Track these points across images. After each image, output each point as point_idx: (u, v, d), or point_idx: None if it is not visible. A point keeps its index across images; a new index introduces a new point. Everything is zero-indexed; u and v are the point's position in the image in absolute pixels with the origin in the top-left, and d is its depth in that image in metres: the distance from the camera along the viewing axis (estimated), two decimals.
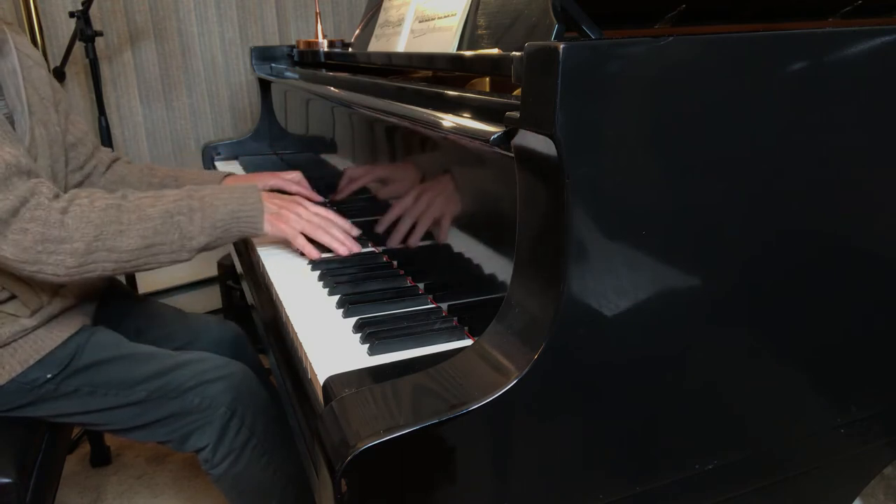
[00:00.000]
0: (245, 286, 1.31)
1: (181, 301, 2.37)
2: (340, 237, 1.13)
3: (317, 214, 1.14)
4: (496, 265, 0.79)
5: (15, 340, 1.07)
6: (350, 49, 1.69)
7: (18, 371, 1.06)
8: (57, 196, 0.98)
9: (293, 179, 1.42)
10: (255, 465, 1.15)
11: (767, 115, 0.66)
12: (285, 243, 1.18)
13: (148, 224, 1.00)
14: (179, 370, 1.14)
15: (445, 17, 1.09)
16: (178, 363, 1.15)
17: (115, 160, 1.42)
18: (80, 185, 1.34)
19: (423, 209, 1.00)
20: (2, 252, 0.93)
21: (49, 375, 1.09)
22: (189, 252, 1.05)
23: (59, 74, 1.97)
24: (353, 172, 1.33)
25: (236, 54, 2.37)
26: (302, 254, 1.17)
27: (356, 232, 1.17)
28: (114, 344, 1.17)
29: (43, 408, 1.11)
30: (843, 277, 0.75)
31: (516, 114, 0.63)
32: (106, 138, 1.94)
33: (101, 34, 1.86)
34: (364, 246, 1.19)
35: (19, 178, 0.95)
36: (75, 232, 0.96)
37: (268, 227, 1.10)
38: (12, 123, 1.09)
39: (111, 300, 1.34)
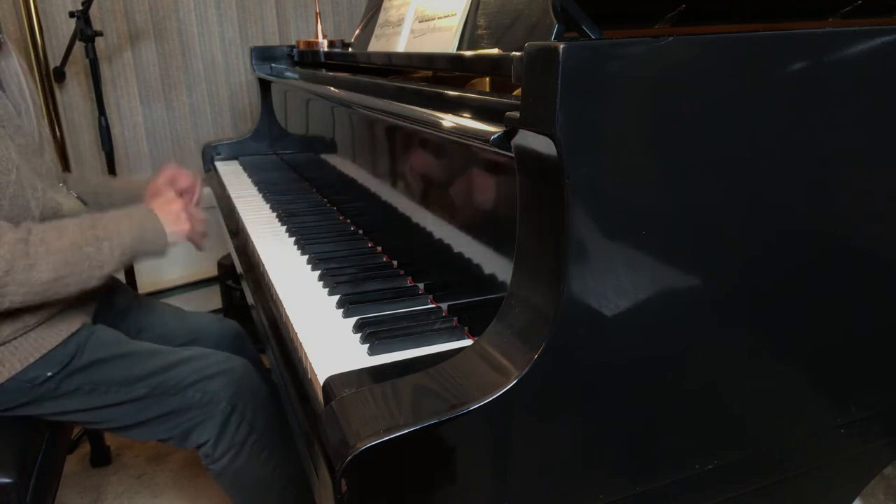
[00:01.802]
0: (245, 286, 1.31)
1: (181, 301, 2.37)
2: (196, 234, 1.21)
3: (183, 209, 1.20)
4: (496, 265, 0.79)
5: (15, 338, 1.07)
6: (350, 49, 1.69)
7: (19, 369, 1.06)
8: None
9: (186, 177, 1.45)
10: (255, 460, 1.16)
11: (767, 115, 0.66)
12: (285, 243, 1.18)
13: (58, 257, 1.01)
14: (180, 366, 1.14)
15: (445, 17, 1.09)
16: (178, 360, 1.15)
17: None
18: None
19: (423, 209, 1.00)
20: None
21: (49, 373, 1.09)
22: (99, 279, 1.07)
23: (59, 74, 1.98)
24: (353, 172, 1.33)
25: (236, 54, 2.37)
26: (302, 253, 1.18)
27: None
28: (114, 342, 1.17)
29: (44, 406, 1.11)
30: (843, 277, 0.75)
31: (516, 114, 0.63)
32: (106, 138, 1.94)
33: (101, 34, 1.86)
34: (364, 245, 1.20)
35: None
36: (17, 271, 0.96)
37: (172, 240, 1.16)
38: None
39: (111, 299, 1.34)
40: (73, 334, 1.12)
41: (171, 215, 1.17)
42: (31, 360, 1.07)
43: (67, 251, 1.02)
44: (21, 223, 1.01)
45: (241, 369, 1.18)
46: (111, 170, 2.00)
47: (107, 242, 1.06)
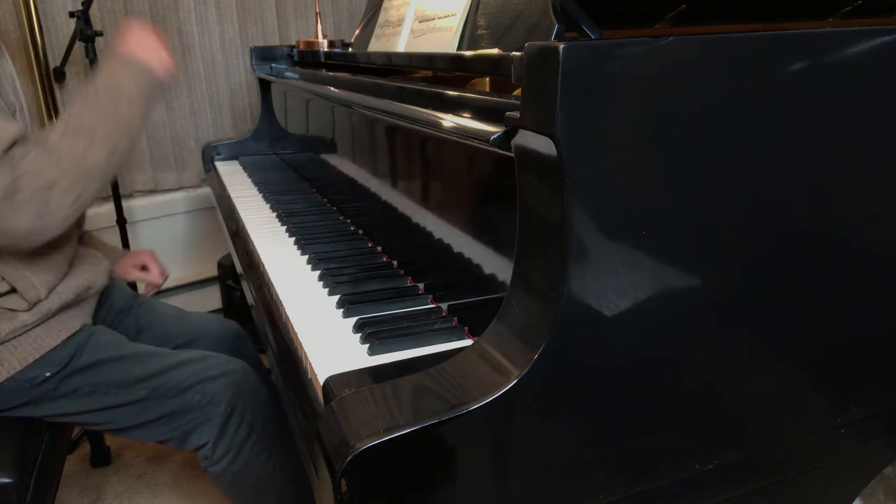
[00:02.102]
0: (245, 286, 1.31)
1: (181, 301, 2.37)
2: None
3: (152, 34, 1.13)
4: (496, 265, 0.79)
5: (15, 338, 1.07)
6: (350, 49, 1.69)
7: (17, 369, 1.06)
8: (25, 155, 0.95)
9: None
10: (254, 462, 1.16)
11: (767, 115, 0.66)
12: (285, 243, 1.18)
13: (97, 135, 0.99)
14: (179, 368, 1.14)
15: (445, 17, 1.09)
16: (178, 361, 1.15)
17: None
18: None
19: (423, 209, 1.00)
20: (18, 223, 0.93)
21: (48, 374, 1.09)
22: (139, 128, 1.05)
23: (59, 74, 1.98)
24: (353, 172, 1.33)
25: (236, 54, 2.37)
26: (302, 253, 1.18)
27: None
28: (114, 344, 1.17)
29: (43, 407, 1.11)
30: (843, 277, 0.75)
31: (516, 114, 0.63)
32: None
33: (101, 34, 1.86)
34: (364, 245, 1.20)
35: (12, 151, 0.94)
36: (55, 171, 0.95)
37: (162, 69, 1.09)
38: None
39: (111, 299, 1.34)
40: (72, 335, 1.12)
41: (147, 47, 1.10)
42: (31, 359, 1.07)
43: (106, 124, 1.00)
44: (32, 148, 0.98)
45: (240, 371, 1.18)
46: None
47: (127, 97, 1.03)
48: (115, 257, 1.43)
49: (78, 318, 1.15)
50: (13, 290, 1.06)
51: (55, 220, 0.96)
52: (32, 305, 1.07)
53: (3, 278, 1.06)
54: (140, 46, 1.08)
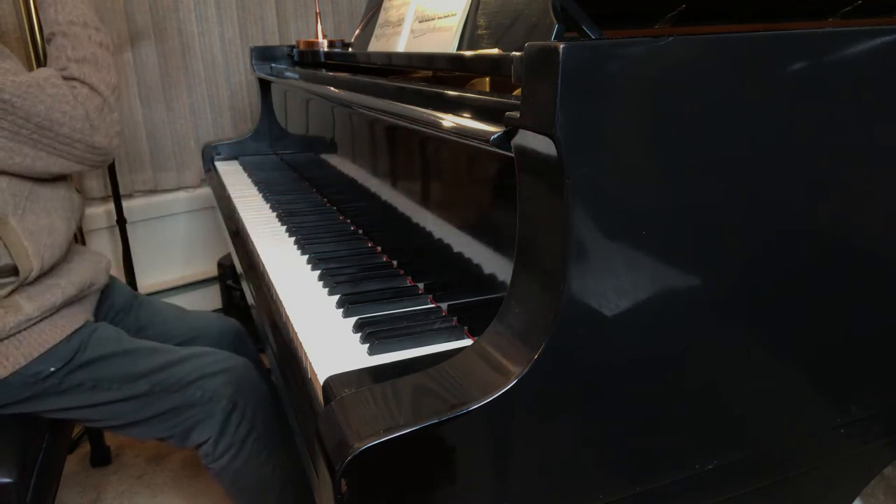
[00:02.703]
0: (245, 286, 1.31)
1: (181, 301, 2.37)
2: None
3: None
4: (496, 265, 0.79)
5: (19, 332, 1.07)
6: (350, 49, 1.69)
7: (22, 363, 1.07)
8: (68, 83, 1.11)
9: None
10: (255, 458, 1.16)
11: (767, 115, 0.66)
12: (285, 243, 1.18)
13: (101, 53, 1.16)
14: (181, 364, 1.15)
15: (445, 17, 1.09)
16: (180, 357, 1.16)
17: None
18: None
19: (423, 209, 1.00)
20: (98, 140, 1.11)
21: (53, 369, 1.09)
22: (103, 30, 1.19)
23: None
24: (353, 172, 1.33)
25: (236, 54, 2.37)
26: (302, 253, 1.18)
27: None
28: (116, 339, 1.18)
29: (46, 402, 1.12)
30: (843, 277, 0.75)
31: (516, 114, 0.63)
32: None
33: None
34: (364, 245, 1.20)
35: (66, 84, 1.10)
36: (98, 94, 1.12)
37: None
38: None
39: (111, 298, 1.35)
40: (76, 330, 1.13)
41: None
42: (35, 354, 1.08)
43: (94, 51, 1.15)
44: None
45: (241, 368, 1.18)
46: (111, 169, 2.00)
47: (91, 27, 1.17)
48: None
49: (81, 314, 1.16)
50: (6, 268, 1.07)
51: (115, 133, 1.15)
52: (23, 281, 1.08)
53: (3, 241, 1.06)
54: None
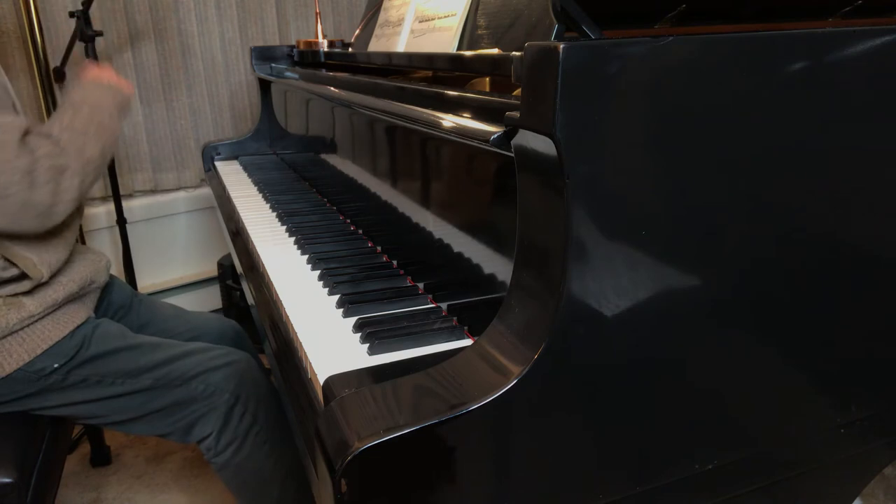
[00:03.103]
0: (245, 286, 1.31)
1: (181, 301, 2.37)
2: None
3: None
4: (496, 265, 0.79)
5: (22, 328, 1.08)
6: (350, 49, 1.69)
7: (26, 360, 1.08)
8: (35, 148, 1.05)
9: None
10: (257, 452, 1.17)
11: (767, 115, 0.66)
12: (285, 243, 1.18)
13: (90, 136, 1.10)
14: (184, 359, 1.15)
15: (445, 17, 1.09)
16: (182, 352, 1.17)
17: None
18: None
19: (423, 209, 1.00)
20: (37, 200, 1.02)
21: (56, 365, 1.10)
22: (116, 121, 1.18)
23: (59, 74, 1.97)
24: (353, 172, 1.33)
25: (236, 54, 2.37)
26: (302, 253, 1.18)
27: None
28: (119, 334, 1.19)
29: (49, 398, 1.12)
30: (843, 277, 0.75)
31: (516, 114, 0.63)
32: None
33: (101, 34, 1.86)
34: (364, 245, 1.20)
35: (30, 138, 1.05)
36: (64, 158, 1.05)
37: (122, 95, 1.22)
38: None
39: (111, 297, 1.35)
40: (79, 326, 1.14)
41: (106, 75, 1.24)
42: (39, 351, 1.09)
43: (93, 128, 1.12)
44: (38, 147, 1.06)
45: (243, 362, 1.19)
46: (111, 169, 2.00)
47: (105, 110, 1.16)
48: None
49: (83, 311, 1.17)
50: (17, 276, 1.07)
51: (65, 200, 1.05)
52: (35, 286, 1.08)
53: (6, 258, 1.07)
54: (101, 75, 1.23)
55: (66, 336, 1.11)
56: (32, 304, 1.08)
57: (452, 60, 0.95)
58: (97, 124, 1.13)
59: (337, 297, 0.96)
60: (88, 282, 1.19)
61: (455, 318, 0.87)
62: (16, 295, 1.08)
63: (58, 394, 1.12)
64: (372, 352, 0.80)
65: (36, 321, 1.09)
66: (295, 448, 1.21)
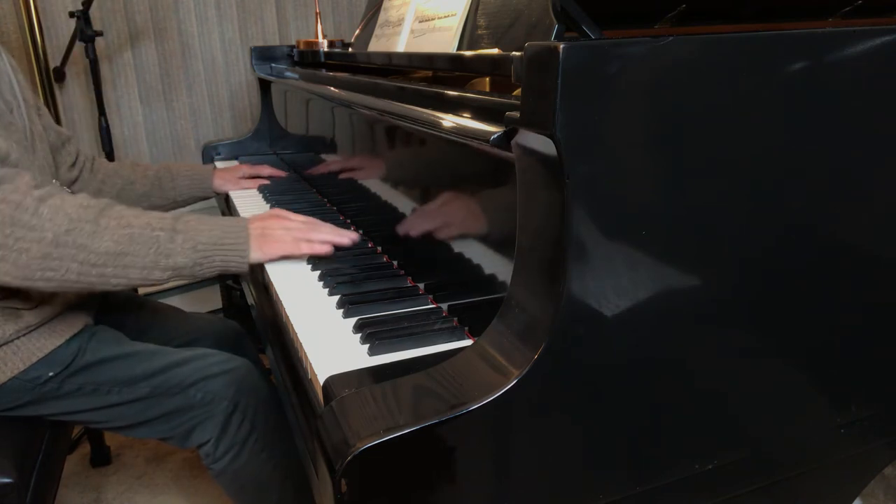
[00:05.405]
0: (245, 286, 1.31)
1: (181, 301, 2.37)
2: (333, 232, 1.11)
3: (303, 221, 1.11)
4: (496, 265, 0.79)
5: (18, 338, 1.07)
6: (350, 49, 1.69)
7: (21, 369, 1.07)
8: (38, 187, 0.95)
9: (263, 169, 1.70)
10: (255, 459, 1.16)
11: (767, 115, 0.66)
12: None
13: (125, 231, 0.95)
14: (181, 366, 1.14)
15: (445, 17, 1.09)
16: (180, 359, 1.16)
17: (94, 158, 1.48)
18: (74, 181, 1.40)
19: (423, 209, 1.00)
20: None
21: (51, 373, 1.09)
22: (163, 271, 0.98)
23: (59, 74, 1.98)
24: (353, 172, 1.33)
25: (236, 54, 2.37)
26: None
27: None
28: (116, 342, 1.17)
29: (46, 406, 1.12)
30: (844, 277, 0.75)
31: (516, 114, 0.63)
32: (106, 138, 1.94)
33: (101, 34, 1.86)
34: (364, 245, 1.19)
35: None
36: (47, 222, 0.90)
37: (257, 255, 1.06)
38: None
39: (112, 301, 1.35)
40: (75, 335, 1.12)
41: (259, 229, 1.07)
42: (34, 359, 1.07)
43: (137, 228, 0.96)
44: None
45: (242, 369, 1.18)
46: None
47: (181, 235, 0.99)
48: (210, 177, 1.61)
49: (80, 318, 1.15)
50: (17, 292, 1.07)
51: (7, 263, 0.90)
52: (37, 305, 1.08)
53: None
54: (257, 224, 1.06)
55: (62, 344, 1.10)
56: (29, 315, 1.07)
57: (452, 60, 0.95)
58: (124, 262, 0.94)
59: (337, 297, 0.96)
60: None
61: (455, 319, 0.87)
62: (16, 308, 1.07)
63: (53, 402, 1.11)
64: (372, 352, 0.80)
65: (32, 330, 1.08)
66: (294, 451, 1.21)
